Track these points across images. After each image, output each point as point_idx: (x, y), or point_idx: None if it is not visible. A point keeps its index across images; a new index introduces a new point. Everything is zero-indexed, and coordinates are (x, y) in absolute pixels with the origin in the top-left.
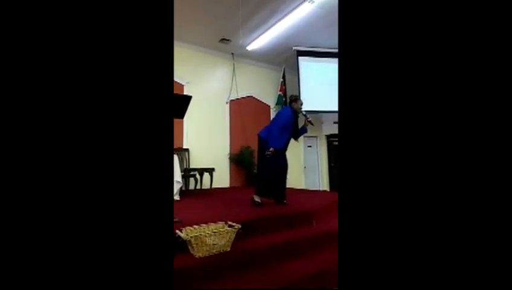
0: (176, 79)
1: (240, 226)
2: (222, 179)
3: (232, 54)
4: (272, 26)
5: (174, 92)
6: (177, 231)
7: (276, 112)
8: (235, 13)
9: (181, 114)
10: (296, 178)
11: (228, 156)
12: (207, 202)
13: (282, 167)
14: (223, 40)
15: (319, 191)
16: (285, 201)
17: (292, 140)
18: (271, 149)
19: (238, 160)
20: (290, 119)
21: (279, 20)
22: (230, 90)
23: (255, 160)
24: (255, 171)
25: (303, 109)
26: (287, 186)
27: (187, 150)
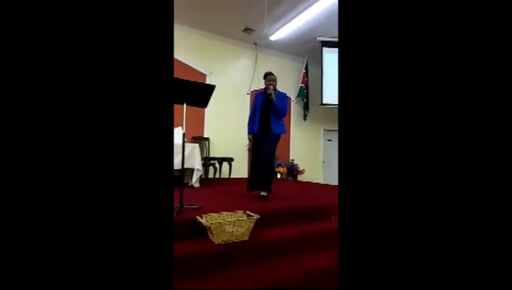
0: (198, 69)
1: (258, 216)
2: (241, 169)
3: (255, 44)
4: (296, 15)
5: (198, 81)
6: (197, 217)
7: (297, 104)
8: (261, 2)
9: (204, 103)
10: (314, 173)
11: (247, 147)
12: (226, 191)
13: (260, 151)
14: (246, 29)
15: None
16: (264, 193)
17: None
18: (248, 138)
19: None
20: (257, 100)
21: (305, 9)
22: (252, 80)
23: None
24: None
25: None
26: (303, 180)
27: (207, 139)
